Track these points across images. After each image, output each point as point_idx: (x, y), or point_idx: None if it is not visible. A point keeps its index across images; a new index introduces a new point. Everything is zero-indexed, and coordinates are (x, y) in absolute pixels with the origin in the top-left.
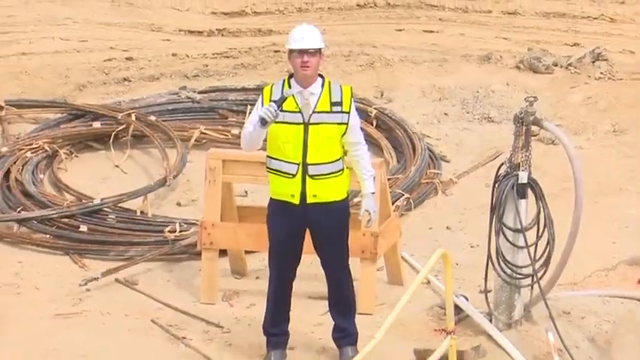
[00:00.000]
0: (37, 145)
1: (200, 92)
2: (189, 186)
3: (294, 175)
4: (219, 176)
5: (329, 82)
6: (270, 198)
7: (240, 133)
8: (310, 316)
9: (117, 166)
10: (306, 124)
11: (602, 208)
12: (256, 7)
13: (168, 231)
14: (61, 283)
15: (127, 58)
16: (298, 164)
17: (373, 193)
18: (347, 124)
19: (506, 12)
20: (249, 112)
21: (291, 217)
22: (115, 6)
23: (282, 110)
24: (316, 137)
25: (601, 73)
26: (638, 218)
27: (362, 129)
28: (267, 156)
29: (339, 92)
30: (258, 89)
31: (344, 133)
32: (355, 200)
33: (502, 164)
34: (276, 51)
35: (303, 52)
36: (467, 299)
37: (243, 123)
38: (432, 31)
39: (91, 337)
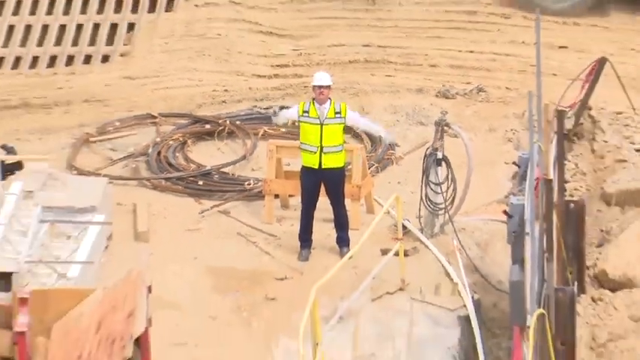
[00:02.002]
0: (175, 137)
1: (264, 109)
2: (258, 160)
3: (315, 152)
4: (274, 154)
5: (334, 102)
6: (302, 165)
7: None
8: (324, 230)
9: (219, 149)
10: (322, 125)
11: (484, 172)
12: (294, 62)
13: (247, 184)
14: (188, 213)
15: (224, 90)
16: (317, 146)
17: None
18: (344, 123)
19: (431, 65)
20: (286, 109)
21: (313, 176)
22: (217, 61)
23: (307, 116)
24: (327, 131)
25: (482, 98)
26: (502, 178)
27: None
28: (300, 142)
29: (339, 107)
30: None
31: (343, 128)
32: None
33: (428, 148)
34: (305, 86)
35: (320, 87)
36: (409, 221)
37: (288, 124)
38: (390, 76)
39: (204, 242)
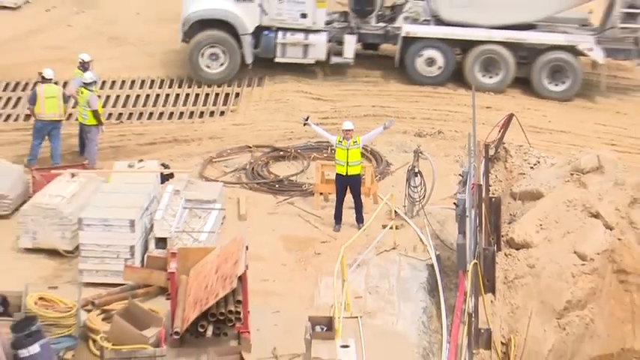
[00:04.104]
0: (262, 159)
1: (314, 142)
2: (310, 172)
3: (343, 165)
4: (320, 169)
5: (353, 136)
6: (336, 173)
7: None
8: (348, 213)
9: (287, 166)
10: (347, 149)
11: (443, 180)
12: (332, 115)
13: (304, 186)
14: (269, 203)
15: (290, 132)
16: (345, 161)
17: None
18: (359, 147)
19: (411, 117)
20: (325, 133)
21: (343, 180)
22: (287, 115)
23: (341, 144)
24: (350, 153)
25: (441, 137)
26: (452, 183)
27: (365, 152)
28: (335, 159)
29: (356, 138)
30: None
31: (360, 151)
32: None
33: (409, 166)
34: (337, 129)
35: (347, 130)
36: (398, 208)
37: (328, 152)
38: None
39: (279, 220)
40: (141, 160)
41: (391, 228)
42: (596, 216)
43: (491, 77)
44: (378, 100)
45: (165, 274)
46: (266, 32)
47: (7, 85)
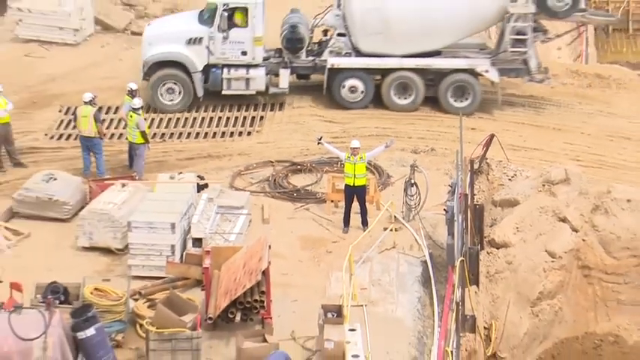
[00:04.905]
0: (282, 172)
1: (326, 158)
2: (323, 183)
3: (351, 177)
4: (331, 180)
5: (359, 152)
6: (345, 184)
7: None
8: (355, 218)
9: (303, 178)
10: (354, 164)
11: (434, 190)
12: (341, 135)
13: (318, 195)
14: (288, 209)
15: (306, 149)
16: (352, 174)
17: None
18: (365, 162)
19: (408, 137)
20: (336, 150)
21: (350, 190)
22: (303, 135)
23: (349, 159)
24: (357, 167)
25: (434, 154)
26: (443, 193)
27: (369, 166)
28: (344, 172)
29: (362, 154)
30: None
31: (365, 165)
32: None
33: (407, 177)
34: (346, 147)
35: (354, 148)
36: (397, 214)
37: (338, 166)
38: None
39: (296, 223)
40: (180, 173)
41: (391, 230)
42: (564, 220)
43: (405, 98)
44: (380, 122)
45: (200, 269)
46: (214, 69)
47: (69, 109)
